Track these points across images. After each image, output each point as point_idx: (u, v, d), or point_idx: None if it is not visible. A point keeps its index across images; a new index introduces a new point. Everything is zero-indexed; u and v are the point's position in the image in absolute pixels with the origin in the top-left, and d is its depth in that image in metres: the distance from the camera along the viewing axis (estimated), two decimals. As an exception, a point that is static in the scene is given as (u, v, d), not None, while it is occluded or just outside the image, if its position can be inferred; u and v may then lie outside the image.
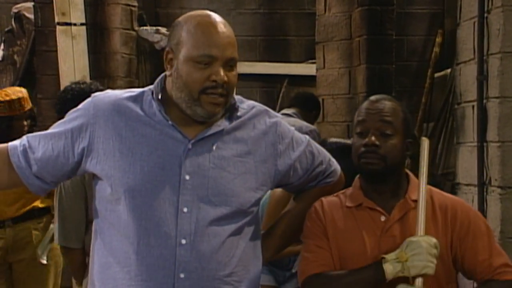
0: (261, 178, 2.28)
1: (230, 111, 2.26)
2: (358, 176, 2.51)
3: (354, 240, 2.41)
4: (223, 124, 2.24)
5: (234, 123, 2.27)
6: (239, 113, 2.28)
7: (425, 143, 2.46)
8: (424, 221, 2.35)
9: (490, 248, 2.44)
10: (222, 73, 2.16)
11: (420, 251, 2.29)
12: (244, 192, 2.24)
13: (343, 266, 2.41)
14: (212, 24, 2.18)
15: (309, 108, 5.85)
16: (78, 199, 3.49)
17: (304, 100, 5.92)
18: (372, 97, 2.50)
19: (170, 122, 2.21)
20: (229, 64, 2.19)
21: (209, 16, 2.21)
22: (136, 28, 6.58)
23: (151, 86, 2.29)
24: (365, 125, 2.43)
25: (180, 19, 2.24)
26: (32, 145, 2.28)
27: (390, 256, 2.32)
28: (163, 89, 2.25)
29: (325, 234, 2.43)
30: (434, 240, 2.32)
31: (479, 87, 3.84)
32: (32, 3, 6.46)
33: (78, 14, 6.11)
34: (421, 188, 2.39)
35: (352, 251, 2.40)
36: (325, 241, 2.43)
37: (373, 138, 2.40)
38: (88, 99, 2.30)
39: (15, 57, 7.05)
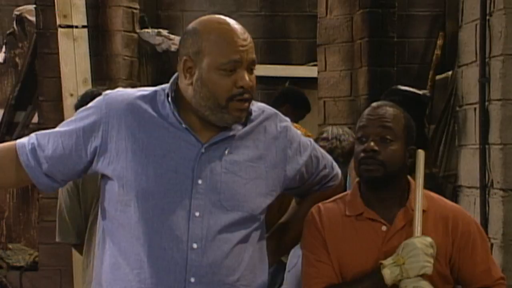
0: (272, 184, 2.28)
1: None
2: (357, 181, 2.51)
3: (355, 251, 2.40)
4: (236, 128, 2.24)
5: (247, 127, 2.26)
6: (251, 117, 2.28)
7: (420, 155, 2.46)
8: (421, 225, 2.36)
9: (487, 260, 2.47)
10: (247, 78, 2.18)
11: (416, 252, 2.29)
12: (255, 197, 2.24)
13: (344, 278, 2.41)
14: (234, 31, 2.19)
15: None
16: (74, 197, 3.50)
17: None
18: (374, 104, 2.51)
19: (183, 126, 2.21)
20: (251, 67, 2.21)
21: (227, 23, 2.21)
22: (138, 30, 6.58)
23: (163, 86, 2.27)
24: (365, 130, 2.43)
25: (196, 26, 2.22)
26: (41, 143, 2.25)
27: (387, 261, 2.33)
28: (175, 91, 2.24)
29: (325, 246, 2.42)
30: (429, 239, 2.33)
31: (481, 89, 3.85)
32: (34, 6, 6.45)
33: (79, 17, 6.10)
34: (417, 199, 2.39)
35: (352, 263, 2.40)
36: (325, 254, 2.42)
37: (372, 143, 2.39)
38: (100, 98, 2.29)
39: (17, 59, 7.04)
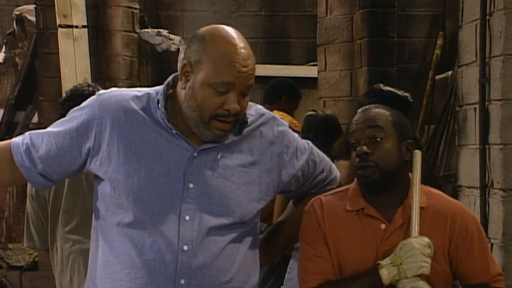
0: (265, 189, 2.27)
1: (239, 125, 2.24)
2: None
3: (354, 247, 2.40)
4: (231, 137, 2.22)
5: (242, 132, 2.24)
6: (248, 121, 2.25)
7: (417, 155, 2.46)
8: (418, 225, 2.36)
9: (486, 256, 2.47)
10: (236, 103, 2.15)
11: (414, 252, 2.30)
12: (247, 202, 2.23)
13: (342, 274, 2.41)
14: (238, 55, 2.15)
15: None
16: (39, 201, 3.53)
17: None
18: (360, 109, 2.51)
19: (174, 131, 2.19)
20: (245, 92, 2.18)
21: (235, 44, 2.16)
22: (138, 30, 6.58)
23: (156, 89, 2.26)
24: (355, 136, 2.44)
25: (206, 35, 2.18)
26: (36, 143, 2.24)
27: (385, 261, 2.33)
28: (170, 95, 2.23)
29: (324, 240, 2.42)
30: (426, 239, 2.33)
31: (481, 89, 3.85)
32: (34, 6, 6.45)
33: (79, 17, 6.11)
34: (414, 199, 2.39)
35: (351, 259, 2.40)
36: (324, 249, 2.42)
37: (364, 147, 2.40)
38: (93, 97, 2.27)
39: (17, 59, 7.04)
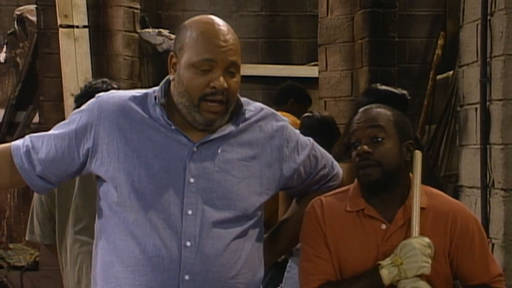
0: (266, 182, 2.27)
1: (237, 115, 2.26)
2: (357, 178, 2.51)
3: (354, 248, 2.41)
4: (229, 128, 2.24)
5: (241, 126, 2.26)
6: (246, 116, 2.28)
7: (417, 155, 2.47)
8: (419, 225, 2.36)
9: (486, 257, 2.48)
10: (222, 79, 2.17)
11: (414, 252, 2.31)
12: (249, 196, 2.24)
13: (342, 274, 2.42)
14: (215, 31, 2.18)
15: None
16: (48, 194, 3.53)
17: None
18: (361, 108, 2.52)
19: (173, 127, 2.21)
20: (230, 70, 2.19)
21: (213, 23, 2.21)
22: (139, 30, 6.58)
23: (155, 88, 2.29)
24: (356, 135, 2.44)
25: (186, 23, 2.24)
26: (35, 146, 2.27)
27: (385, 262, 2.34)
28: (167, 93, 2.25)
29: (325, 241, 2.43)
30: (427, 240, 2.34)
31: (482, 89, 3.84)
32: (35, 6, 6.46)
33: (80, 17, 6.11)
34: (415, 199, 2.40)
35: (352, 259, 2.41)
36: (324, 249, 2.42)
37: (365, 147, 2.41)
38: (92, 100, 2.30)
39: (18, 59, 7.05)
